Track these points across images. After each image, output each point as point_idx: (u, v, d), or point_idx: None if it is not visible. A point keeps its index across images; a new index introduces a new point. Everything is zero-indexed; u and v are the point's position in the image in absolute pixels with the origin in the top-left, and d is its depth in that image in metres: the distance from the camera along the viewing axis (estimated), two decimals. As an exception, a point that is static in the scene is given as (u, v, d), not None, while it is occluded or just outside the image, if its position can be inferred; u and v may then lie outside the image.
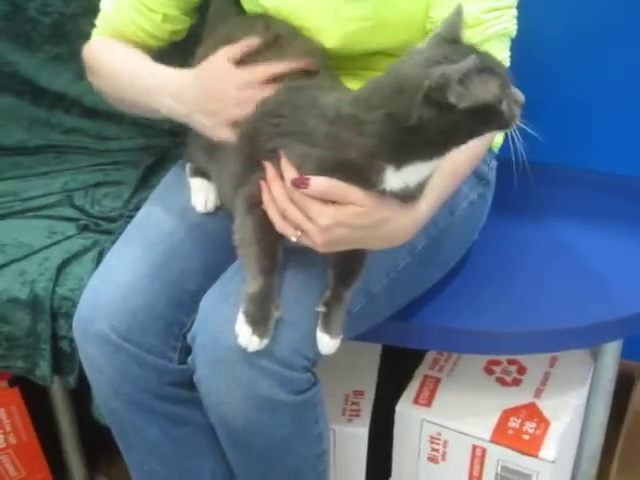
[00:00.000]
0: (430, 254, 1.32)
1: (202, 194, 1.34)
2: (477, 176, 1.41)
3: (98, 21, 1.45)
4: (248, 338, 1.12)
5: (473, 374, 1.58)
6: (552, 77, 1.72)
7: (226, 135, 1.20)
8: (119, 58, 1.38)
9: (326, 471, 1.31)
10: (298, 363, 1.16)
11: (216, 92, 1.21)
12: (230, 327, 1.14)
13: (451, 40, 1.02)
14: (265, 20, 1.29)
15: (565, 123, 1.75)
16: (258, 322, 1.12)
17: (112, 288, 1.26)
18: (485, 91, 0.97)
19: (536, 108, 1.69)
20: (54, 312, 1.44)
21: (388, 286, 1.27)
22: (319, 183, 1.04)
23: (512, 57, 1.33)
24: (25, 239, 1.56)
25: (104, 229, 1.57)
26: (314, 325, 1.16)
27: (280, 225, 1.09)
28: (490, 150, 1.45)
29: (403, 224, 1.10)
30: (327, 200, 1.04)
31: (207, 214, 1.33)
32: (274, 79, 1.20)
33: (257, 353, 1.13)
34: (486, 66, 0.97)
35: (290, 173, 1.06)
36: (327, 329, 1.17)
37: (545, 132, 1.73)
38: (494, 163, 1.47)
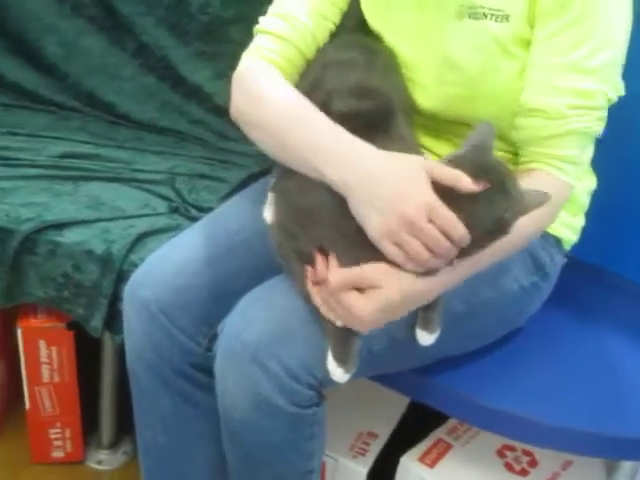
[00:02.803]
0: (464, 322, 1.36)
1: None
2: (535, 263, 1.43)
3: (265, 42, 1.37)
4: (339, 375, 1.22)
5: (485, 452, 1.61)
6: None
7: (388, 250, 1.13)
8: (291, 99, 1.28)
9: (311, 489, 1.37)
10: (303, 378, 1.23)
11: (400, 210, 1.11)
12: (252, 326, 1.24)
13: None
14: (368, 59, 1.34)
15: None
16: (343, 359, 1.22)
17: (167, 264, 1.37)
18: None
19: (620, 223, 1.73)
20: (120, 274, 1.55)
21: (412, 336, 1.31)
22: (334, 279, 1.14)
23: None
24: (121, 204, 1.71)
25: (191, 216, 1.69)
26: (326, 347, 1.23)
27: (326, 312, 1.19)
28: (559, 245, 1.49)
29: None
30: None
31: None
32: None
33: (269, 356, 1.22)
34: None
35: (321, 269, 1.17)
36: (425, 327, 1.28)
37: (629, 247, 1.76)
38: (560, 259, 1.50)
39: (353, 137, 1.18)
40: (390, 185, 1.13)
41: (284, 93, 1.29)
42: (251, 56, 1.38)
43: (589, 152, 1.38)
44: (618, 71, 1.31)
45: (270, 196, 1.43)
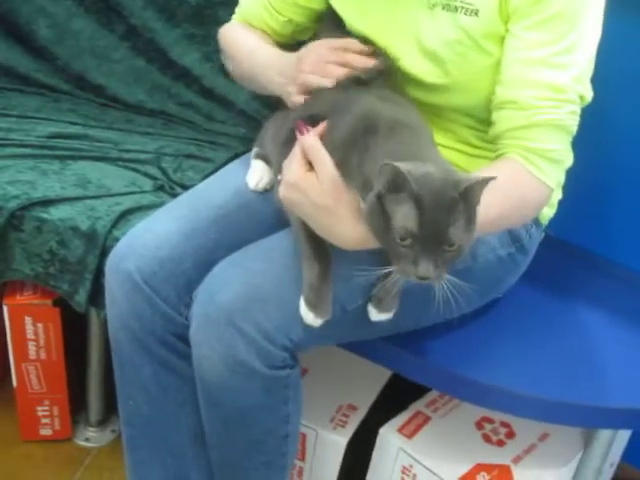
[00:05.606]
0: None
1: (258, 174, 1.46)
2: (511, 236, 1.46)
3: (237, 9, 1.63)
4: (311, 319, 1.24)
5: (463, 424, 1.63)
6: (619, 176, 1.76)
7: (297, 100, 1.36)
8: (244, 38, 1.56)
9: (288, 455, 1.39)
10: (279, 340, 1.26)
11: (301, 63, 1.37)
12: (226, 289, 1.27)
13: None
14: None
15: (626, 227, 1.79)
16: (317, 306, 1.24)
17: (150, 236, 1.39)
18: (395, 211, 1.09)
19: (601, 204, 1.76)
20: (105, 249, 1.57)
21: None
22: (309, 139, 1.20)
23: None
24: (107, 182, 1.73)
25: (176, 193, 1.70)
26: None
27: None
28: (536, 218, 1.50)
29: (348, 231, 1.19)
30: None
31: (257, 196, 1.46)
32: None
33: (245, 319, 1.24)
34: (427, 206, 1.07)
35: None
36: (377, 305, 1.30)
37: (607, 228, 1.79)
38: (537, 232, 1.52)
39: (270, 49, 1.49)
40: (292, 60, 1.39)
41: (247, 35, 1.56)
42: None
43: (569, 154, 1.39)
44: (588, 77, 1.32)
45: (255, 163, 1.47)
